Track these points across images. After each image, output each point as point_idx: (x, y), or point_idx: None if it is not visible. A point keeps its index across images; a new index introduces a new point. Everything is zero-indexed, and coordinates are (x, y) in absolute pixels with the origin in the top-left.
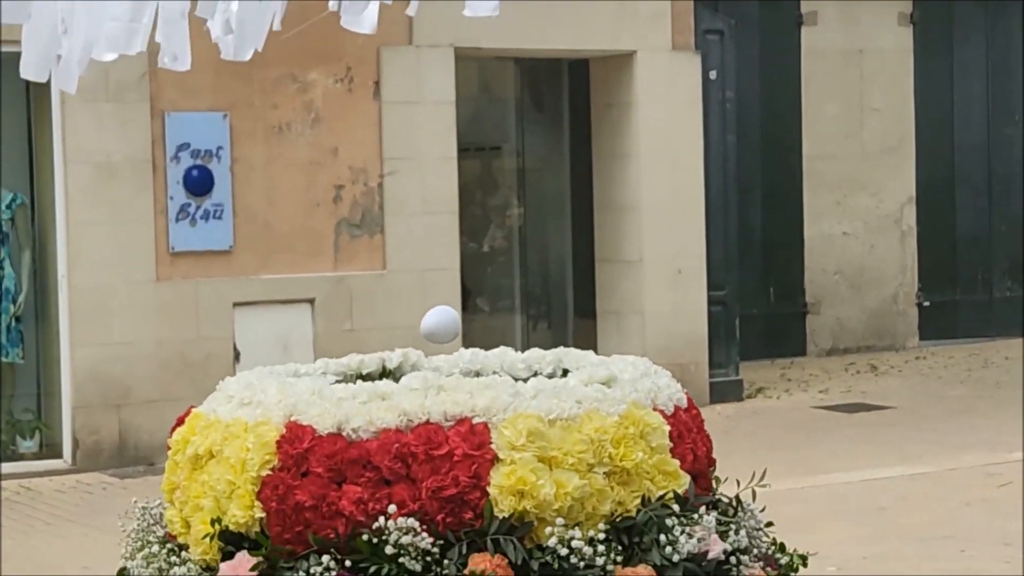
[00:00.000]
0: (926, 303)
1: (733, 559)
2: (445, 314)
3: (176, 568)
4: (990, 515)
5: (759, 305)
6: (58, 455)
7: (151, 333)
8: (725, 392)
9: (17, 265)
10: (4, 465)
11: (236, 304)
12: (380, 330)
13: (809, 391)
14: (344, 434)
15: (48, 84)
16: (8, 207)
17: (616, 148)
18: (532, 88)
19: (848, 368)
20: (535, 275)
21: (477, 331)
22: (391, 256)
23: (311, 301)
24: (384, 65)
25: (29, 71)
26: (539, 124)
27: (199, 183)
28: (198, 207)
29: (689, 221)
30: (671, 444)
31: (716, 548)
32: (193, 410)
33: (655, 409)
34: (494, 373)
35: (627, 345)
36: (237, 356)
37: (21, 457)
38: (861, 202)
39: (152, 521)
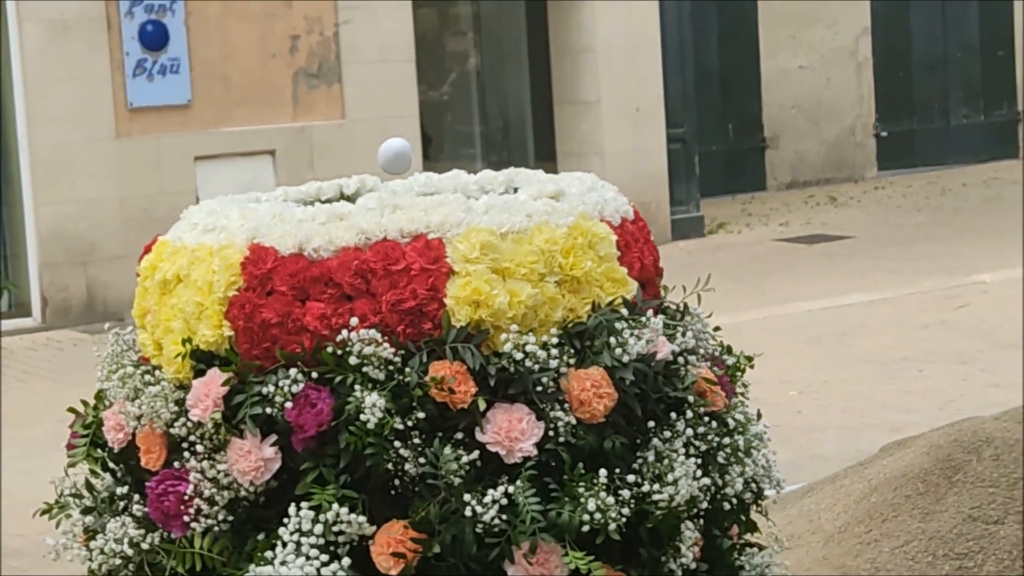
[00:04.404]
0: (883, 133)
1: (680, 359)
2: (399, 147)
3: (151, 387)
4: (947, 337)
5: (718, 141)
6: (27, 314)
7: (114, 190)
8: (687, 229)
9: None
10: None
11: (197, 158)
12: (342, 178)
13: (770, 224)
14: (305, 254)
15: None
16: None
17: None
18: None
19: (807, 200)
20: (494, 120)
21: None
22: (350, 105)
23: (272, 152)
24: None
25: None
26: None
27: (154, 38)
28: (154, 62)
29: (646, 60)
30: (619, 253)
31: (664, 349)
32: (159, 238)
33: (602, 220)
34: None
35: None
36: None
37: None
38: (816, 35)
39: (125, 346)
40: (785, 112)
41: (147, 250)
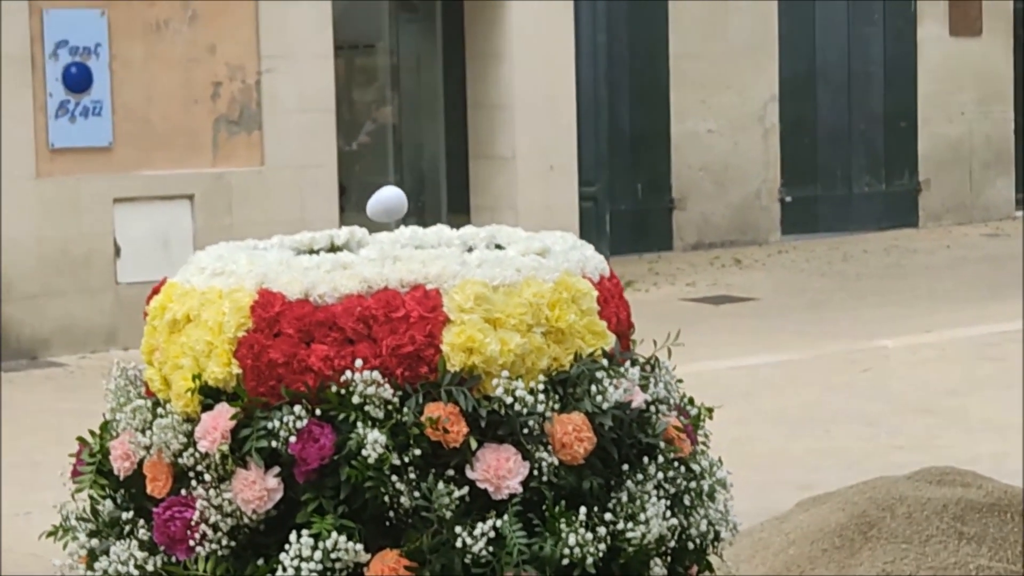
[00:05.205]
0: (788, 198)
1: (653, 408)
2: (393, 194)
3: (161, 419)
4: (852, 399)
5: (627, 201)
6: None
7: (32, 229)
8: None
9: None
10: None
11: (116, 200)
12: (258, 225)
13: (676, 284)
14: (311, 299)
15: None
16: None
17: (489, 47)
18: None
19: (713, 262)
20: (409, 172)
21: None
22: (269, 153)
23: (190, 197)
24: None
25: None
26: (412, 23)
27: (78, 80)
28: (77, 104)
29: (561, 118)
30: (598, 308)
31: (638, 398)
32: (168, 280)
33: (584, 277)
34: (432, 248)
35: None
36: (118, 252)
37: None
38: (725, 100)
39: (127, 381)
40: (693, 174)
41: (155, 291)
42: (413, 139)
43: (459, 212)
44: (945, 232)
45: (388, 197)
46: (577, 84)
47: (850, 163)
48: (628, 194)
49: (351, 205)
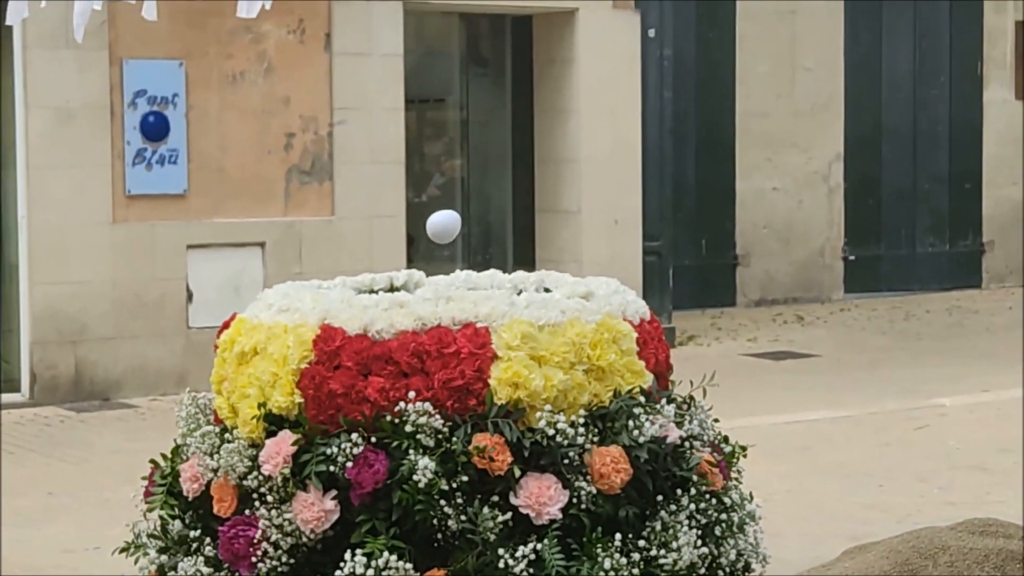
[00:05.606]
0: (851, 257)
1: (687, 443)
2: (449, 216)
3: (228, 444)
4: (907, 455)
5: (691, 256)
6: (16, 389)
7: (107, 273)
8: None
9: None
10: None
11: (189, 246)
12: (328, 274)
13: (738, 339)
14: (369, 335)
15: (10, 31)
16: None
17: (557, 102)
18: (476, 43)
19: (776, 318)
20: (476, 224)
21: None
22: (339, 203)
23: (262, 245)
24: (335, 17)
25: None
26: (482, 78)
27: (155, 129)
28: (154, 152)
29: (626, 174)
30: (637, 348)
31: (673, 434)
32: (238, 316)
33: (625, 319)
34: (484, 290)
35: None
36: (190, 297)
37: None
38: (791, 158)
39: (197, 409)
40: (757, 231)
41: (225, 326)
42: (481, 192)
43: (525, 264)
44: (1008, 293)
45: (442, 219)
46: (643, 139)
47: (914, 223)
48: (692, 249)
49: (419, 255)
